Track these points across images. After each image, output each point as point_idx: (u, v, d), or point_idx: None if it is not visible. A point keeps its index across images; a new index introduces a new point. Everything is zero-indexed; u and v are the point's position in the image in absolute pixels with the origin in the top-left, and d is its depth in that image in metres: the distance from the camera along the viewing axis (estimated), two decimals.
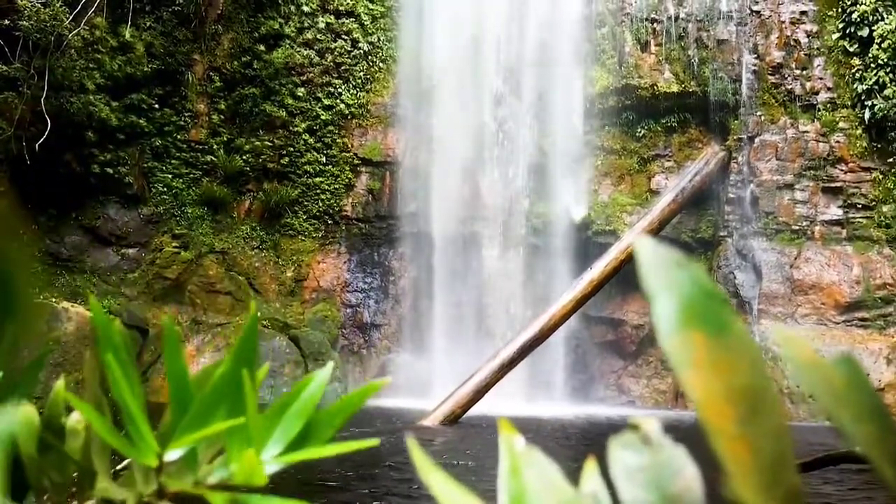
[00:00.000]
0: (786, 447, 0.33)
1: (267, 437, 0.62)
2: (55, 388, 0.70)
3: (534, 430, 9.13)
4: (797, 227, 13.04)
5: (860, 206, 12.88)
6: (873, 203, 12.82)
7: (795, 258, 12.84)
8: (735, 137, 13.50)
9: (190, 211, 14.36)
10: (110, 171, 13.60)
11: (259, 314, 13.69)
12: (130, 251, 13.92)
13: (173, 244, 13.87)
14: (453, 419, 10.10)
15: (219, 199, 14.50)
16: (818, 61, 13.25)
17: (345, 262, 14.91)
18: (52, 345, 9.90)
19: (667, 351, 0.33)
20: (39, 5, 11.49)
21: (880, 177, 12.83)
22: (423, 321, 14.19)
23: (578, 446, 8.16)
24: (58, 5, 11.59)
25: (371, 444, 0.62)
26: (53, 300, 11.24)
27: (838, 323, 12.47)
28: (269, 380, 12.40)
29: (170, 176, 14.35)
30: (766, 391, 0.32)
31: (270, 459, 0.61)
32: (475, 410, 10.38)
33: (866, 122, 12.74)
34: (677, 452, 0.38)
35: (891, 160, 12.75)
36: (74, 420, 0.69)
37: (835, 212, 12.97)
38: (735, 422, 0.31)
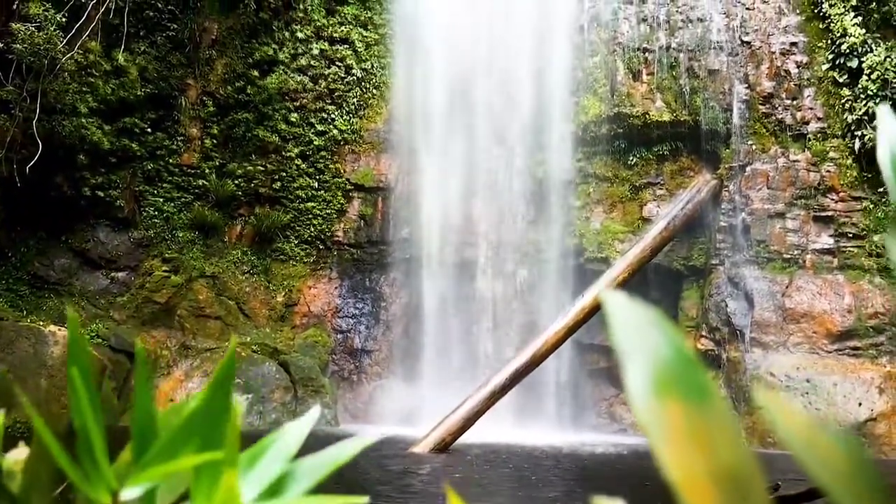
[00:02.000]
0: None
1: (243, 478, 0.57)
2: None
3: (526, 459, 9.04)
4: (789, 256, 13.05)
5: (851, 235, 12.91)
6: (864, 232, 12.85)
7: (787, 287, 12.83)
8: (726, 166, 13.56)
9: (181, 235, 14.30)
10: (101, 194, 13.55)
11: (249, 339, 13.59)
12: (120, 275, 13.83)
13: (163, 268, 13.79)
14: (444, 446, 9.99)
15: (210, 224, 14.44)
16: (808, 91, 13.35)
17: (336, 288, 14.84)
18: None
19: (640, 421, 0.30)
20: (34, 29, 11.50)
21: (871, 206, 12.88)
22: (414, 347, 14.11)
23: (575, 477, 8.06)
24: (52, 29, 11.60)
25: (360, 501, 0.58)
26: (40, 324, 11.12)
27: (830, 352, 12.43)
28: (257, 405, 12.27)
29: (161, 200, 14.30)
30: (751, 469, 0.29)
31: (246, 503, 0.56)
32: (466, 438, 10.28)
33: (856, 151, 12.81)
34: None
35: (881, 190, 12.81)
36: (12, 460, 0.63)
37: (826, 241, 12.99)
38: None
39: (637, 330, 0.30)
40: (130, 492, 0.54)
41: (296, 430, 0.59)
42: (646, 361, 0.30)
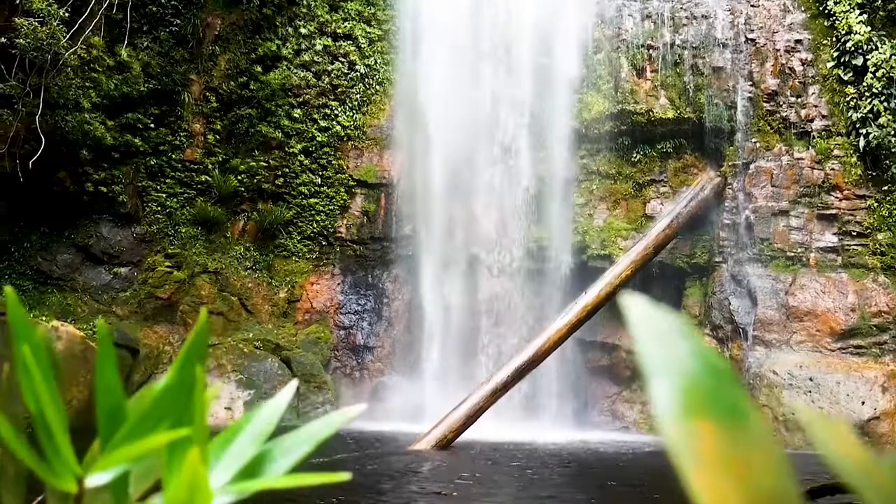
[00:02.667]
0: None
1: (215, 461, 0.53)
2: None
3: (530, 457, 9.03)
4: (792, 254, 13.01)
5: (855, 233, 12.86)
6: (868, 231, 12.81)
7: (790, 285, 12.80)
8: (730, 164, 13.52)
9: (183, 230, 14.29)
10: (104, 189, 13.54)
11: (251, 335, 13.59)
12: (123, 270, 13.83)
13: (166, 264, 13.78)
14: (445, 444, 9.98)
15: (213, 219, 14.43)
16: (813, 89, 13.30)
17: (338, 284, 14.83)
18: None
19: (667, 443, 0.27)
20: (37, 24, 11.48)
21: (875, 204, 12.83)
22: (416, 344, 14.09)
23: (579, 476, 8.05)
24: (55, 24, 11.58)
25: (341, 478, 0.55)
26: (43, 319, 11.11)
27: (833, 350, 12.40)
28: (260, 401, 12.24)
29: (164, 195, 14.29)
30: (791, 498, 0.26)
31: (219, 487, 0.52)
32: (468, 435, 10.26)
33: (861, 150, 12.76)
34: None
35: (885, 188, 12.77)
36: None
37: (830, 239, 12.95)
38: None
39: (663, 341, 0.28)
40: (98, 478, 0.50)
41: (271, 409, 0.56)
42: (673, 377, 0.27)
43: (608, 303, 12.22)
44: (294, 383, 0.65)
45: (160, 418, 0.50)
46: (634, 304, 0.30)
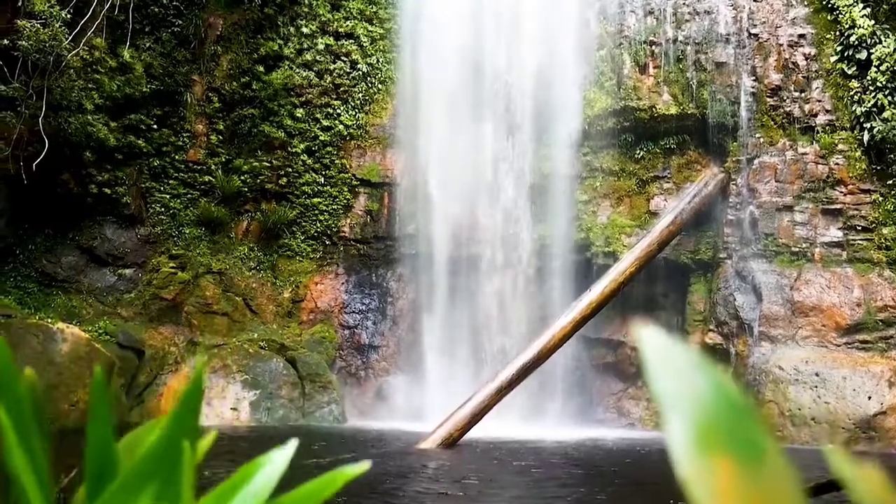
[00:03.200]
0: None
1: None
2: None
3: (536, 455, 9.02)
4: (797, 249, 12.97)
5: (860, 228, 12.82)
6: (873, 225, 12.77)
7: (795, 280, 12.76)
8: (734, 159, 13.48)
9: (187, 231, 14.30)
10: (108, 191, 13.55)
11: (256, 335, 13.60)
12: (127, 271, 13.84)
13: (170, 265, 13.80)
14: (451, 442, 9.98)
15: (216, 220, 14.44)
16: (816, 84, 13.25)
17: (343, 284, 14.83)
18: None
19: (683, 481, 0.26)
20: (39, 26, 11.49)
21: (880, 199, 12.78)
22: (421, 343, 14.09)
23: (587, 474, 8.03)
24: (57, 26, 11.59)
25: None
26: (49, 321, 11.13)
27: (839, 345, 12.37)
28: (265, 402, 12.28)
29: (167, 196, 14.30)
30: None
31: None
32: (474, 433, 10.26)
33: (865, 144, 12.71)
34: None
35: (890, 182, 12.71)
36: None
37: (835, 234, 12.90)
38: None
39: (679, 374, 0.27)
40: None
41: (271, 467, 0.53)
42: (690, 412, 0.26)
43: (613, 300, 12.20)
44: (294, 443, 0.60)
45: (148, 477, 0.48)
46: (649, 337, 0.29)
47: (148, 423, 0.51)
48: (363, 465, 0.55)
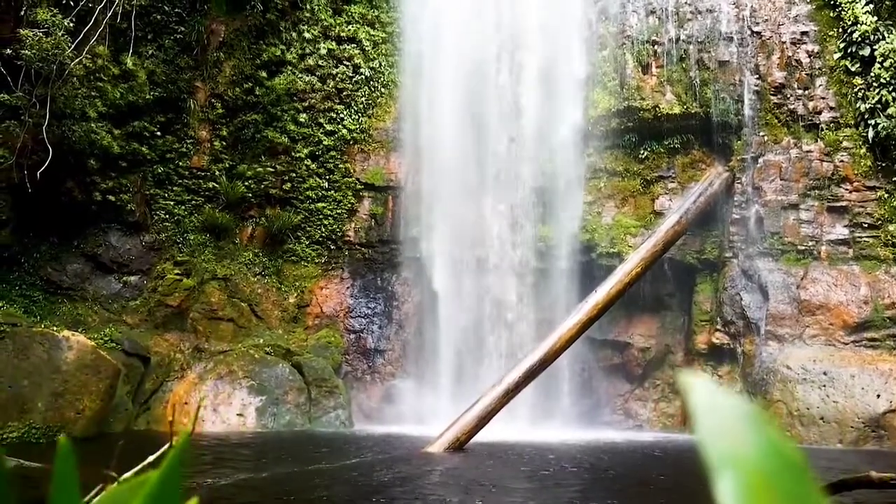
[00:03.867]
0: None
1: None
2: None
3: (544, 458, 8.98)
4: (803, 248, 12.93)
5: (866, 225, 12.77)
6: (879, 222, 12.72)
7: (802, 278, 12.71)
8: (738, 158, 13.44)
9: (192, 237, 14.31)
10: (112, 198, 13.57)
11: (262, 341, 13.59)
12: (132, 279, 13.85)
13: (175, 271, 13.80)
14: (458, 446, 9.95)
15: (221, 226, 14.45)
16: (820, 81, 13.21)
17: (348, 288, 14.82)
18: None
19: None
20: (42, 35, 11.51)
21: (885, 195, 12.73)
22: (427, 346, 14.07)
23: (595, 478, 7.99)
24: (60, 34, 11.61)
25: None
26: (54, 329, 11.13)
27: (847, 343, 12.31)
28: (272, 407, 12.26)
29: (172, 203, 14.31)
30: None
31: None
32: (481, 436, 10.23)
33: (870, 141, 12.67)
34: None
35: (895, 179, 12.67)
36: None
37: (841, 231, 12.86)
38: None
39: (729, 430, 0.25)
40: None
41: None
42: (740, 471, 0.24)
43: (619, 301, 12.17)
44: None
45: None
46: (697, 387, 0.27)
47: (134, 482, 0.47)
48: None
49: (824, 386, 11.64)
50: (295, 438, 11.17)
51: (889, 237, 12.64)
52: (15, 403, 10.02)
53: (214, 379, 12.47)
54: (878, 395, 11.34)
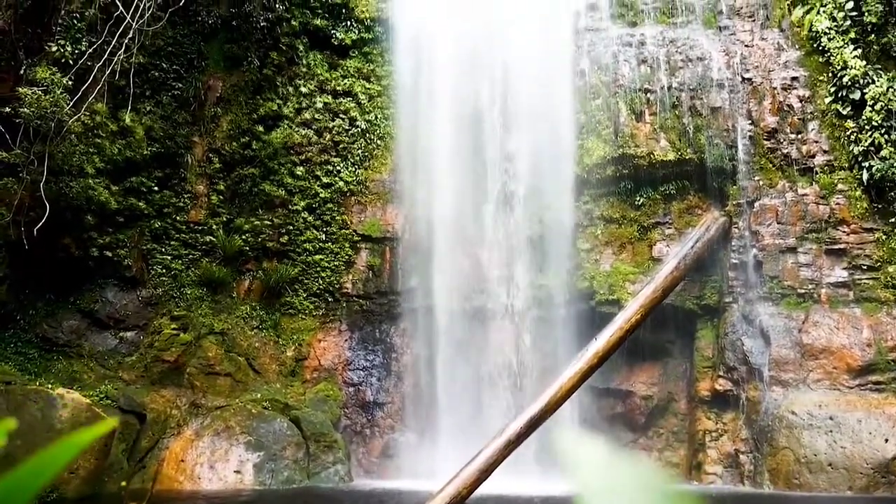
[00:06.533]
0: None
1: None
2: None
3: None
4: (803, 291, 12.86)
5: (865, 267, 12.73)
6: (878, 264, 12.68)
7: (803, 322, 12.61)
8: (734, 202, 13.47)
9: (189, 292, 14.24)
10: (109, 253, 13.55)
11: (259, 395, 13.41)
12: (129, 334, 13.74)
13: (172, 326, 13.68)
14: (459, 500, 9.71)
15: (218, 280, 14.39)
16: (812, 125, 13.32)
17: (346, 340, 14.69)
18: None
19: None
20: (40, 93, 11.63)
21: (883, 237, 12.72)
22: (426, 398, 13.88)
23: None
24: (58, 92, 11.73)
25: None
26: (49, 387, 10.99)
27: (852, 387, 12.15)
28: (269, 463, 12.03)
29: (169, 257, 14.29)
30: None
31: None
32: (483, 490, 10.00)
33: (865, 183, 12.71)
34: None
35: (893, 220, 12.67)
36: None
37: (840, 274, 12.81)
38: None
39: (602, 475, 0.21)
40: None
41: None
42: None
43: (619, 348, 12.04)
44: None
45: None
46: (573, 446, 0.23)
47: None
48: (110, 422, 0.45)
49: (831, 431, 11.45)
50: (293, 496, 10.93)
51: (889, 279, 12.59)
52: (7, 464, 9.81)
53: (211, 435, 12.27)
54: (887, 440, 11.15)
